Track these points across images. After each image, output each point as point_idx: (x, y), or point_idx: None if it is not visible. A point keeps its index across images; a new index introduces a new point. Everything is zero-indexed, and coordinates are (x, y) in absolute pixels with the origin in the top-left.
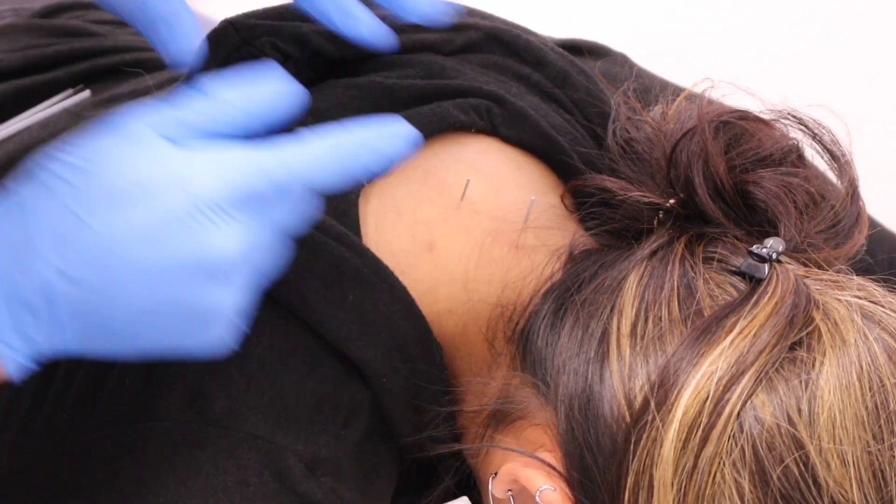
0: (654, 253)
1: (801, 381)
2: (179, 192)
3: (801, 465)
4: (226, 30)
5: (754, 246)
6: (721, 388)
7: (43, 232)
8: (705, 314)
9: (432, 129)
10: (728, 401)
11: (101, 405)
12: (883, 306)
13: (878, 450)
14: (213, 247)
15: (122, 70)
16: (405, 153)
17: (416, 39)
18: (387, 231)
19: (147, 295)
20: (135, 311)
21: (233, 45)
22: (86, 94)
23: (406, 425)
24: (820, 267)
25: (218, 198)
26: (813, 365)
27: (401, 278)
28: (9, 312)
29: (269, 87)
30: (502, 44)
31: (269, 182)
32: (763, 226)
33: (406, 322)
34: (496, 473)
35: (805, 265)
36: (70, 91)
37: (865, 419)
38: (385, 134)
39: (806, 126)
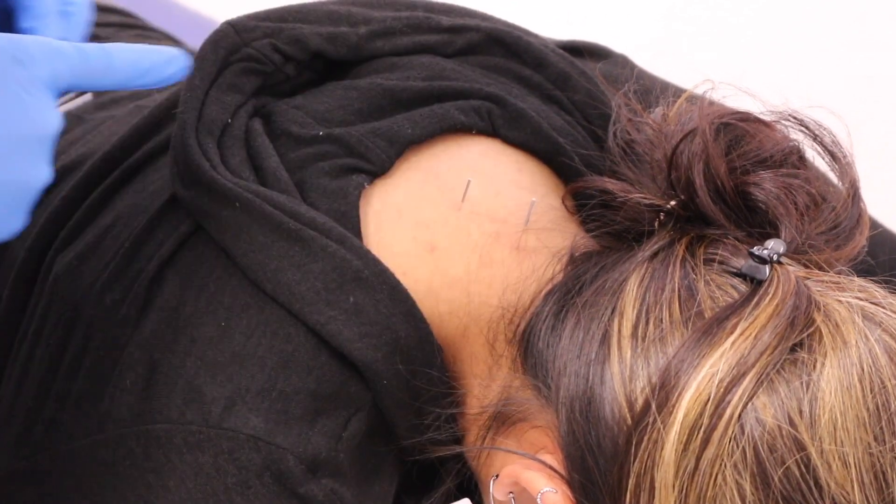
0: (654, 255)
1: (802, 383)
2: (20, 71)
3: (802, 466)
4: (226, 31)
5: (755, 248)
6: (722, 389)
7: None
8: (706, 316)
9: (433, 131)
10: (729, 402)
11: (103, 407)
12: (884, 307)
13: (880, 451)
14: (48, 120)
15: None
16: (181, 76)
17: (416, 41)
18: (387, 232)
19: None
20: None
21: (233, 46)
22: (87, 97)
23: (407, 427)
24: (821, 268)
25: (51, 76)
26: (814, 366)
27: (402, 280)
28: None
29: None
30: (503, 45)
31: (85, 73)
32: (764, 227)
33: (407, 324)
34: (497, 475)
35: (806, 267)
36: (73, 94)
37: (867, 420)
38: (167, 59)
39: (807, 127)
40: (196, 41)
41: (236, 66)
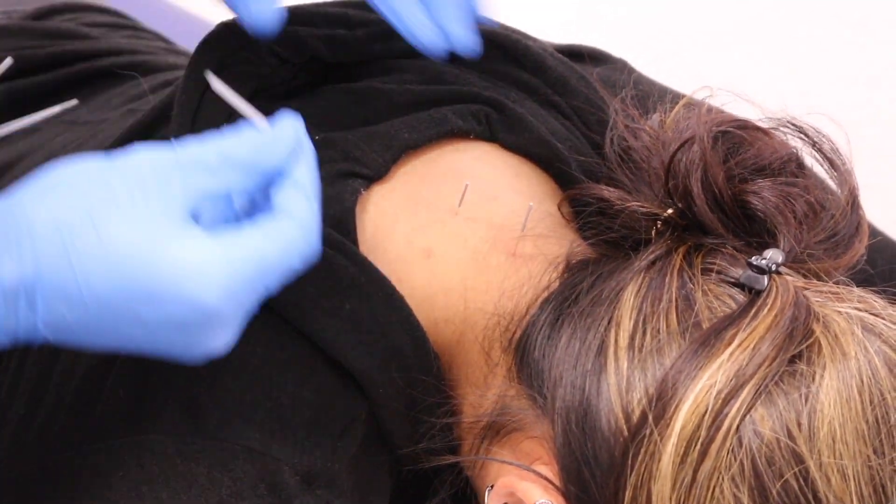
0: (652, 264)
1: (800, 395)
2: (185, 303)
3: (800, 479)
4: (222, 32)
5: (753, 257)
6: (720, 401)
7: (42, 280)
8: (704, 326)
9: (430, 135)
10: (727, 415)
11: (95, 417)
12: (883, 319)
13: (879, 464)
14: (208, 348)
15: (116, 73)
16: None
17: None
18: (383, 238)
19: (130, 349)
20: (114, 345)
21: (230, 48)
22: (73, 102)
23: (402, 437)
24: (819, 278)
25: (221, 310)
26: (813, 378)
27: (398, 286)
28: None
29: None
30: (501, 49)
31: (265, 289)
32: (762, 236)
33: (403, 331)
34: (492, 486)
35: (805, 276)
36: (58, 108)
37: (866, 433)
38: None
39: (805, 134)
40: (187, 41)
41: (232, 68)
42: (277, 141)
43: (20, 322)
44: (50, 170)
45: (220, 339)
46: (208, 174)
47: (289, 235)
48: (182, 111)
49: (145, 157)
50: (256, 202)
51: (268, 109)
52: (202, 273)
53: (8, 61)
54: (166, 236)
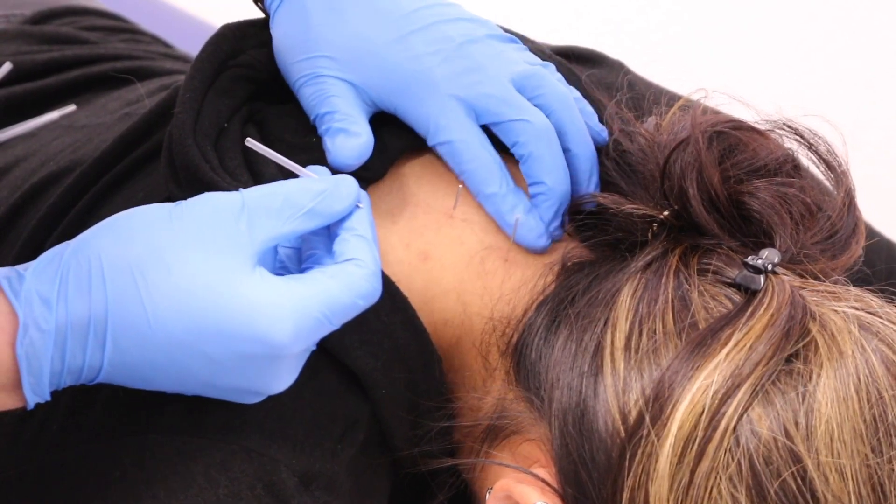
0: (648, 265)
1: (797, 394)
2: (256, 340)
3: (798, 479)
4: (226, 35)
5: (749, 257)
6: (717, 401)
7: (112, 317)
8: (700, 327)
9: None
10: (724, 414)
11: (94, 417)
12: (880, 317)
13: (877, 463)
14: (269, 387)
15: (114, 78)
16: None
17: None
18: (382, 240)
19: (192, 388)
20: (176, 384)
21: (232, 51)
22: (71, 108)
23: (402, 439)
24: (816, 278)
25: (290, 348)
26: (810, 377)
27: None
28: (58, 353)
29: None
30: None
31: (329, 327)
32: (758, 237)
33: (407, 332)
34: (491, 489)
35: (801, 276)
36: (56, 114)
37: (864, 432)
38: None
39: (801, 136)
40: (186, 43)
41: (232, 71)
42: (340, 189)
43: (87, 360)
44: (120, 213)
45: (284, 378)
46: (274, 218)
47: (355, 277)
48: (184, 109)
49: (213, 200)
50: (312, 250)
51: (264, 111)
52: (274, 311)
53: (7, 66)
54: (237, 275)
